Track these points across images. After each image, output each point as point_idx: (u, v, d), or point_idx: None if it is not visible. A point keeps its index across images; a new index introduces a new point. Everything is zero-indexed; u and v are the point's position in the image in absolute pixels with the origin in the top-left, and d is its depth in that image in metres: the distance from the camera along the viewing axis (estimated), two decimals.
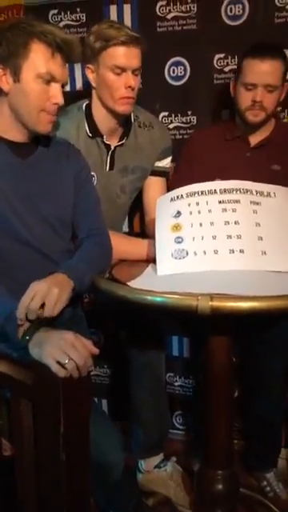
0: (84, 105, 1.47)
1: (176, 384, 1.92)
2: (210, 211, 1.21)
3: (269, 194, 1.24)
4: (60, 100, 1.09)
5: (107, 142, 1.46)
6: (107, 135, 1.46)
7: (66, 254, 1.18)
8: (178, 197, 1.26)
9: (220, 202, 1.21)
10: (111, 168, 1.49)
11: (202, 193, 1.24)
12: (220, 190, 1.23)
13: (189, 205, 1.23)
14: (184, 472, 1.64)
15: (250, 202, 1.22)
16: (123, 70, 1.34)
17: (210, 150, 1.54)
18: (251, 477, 1.64)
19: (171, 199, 1.27)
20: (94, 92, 1.44)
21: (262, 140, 1.53)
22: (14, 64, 1.05)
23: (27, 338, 0.92)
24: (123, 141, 1.49)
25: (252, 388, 1.61)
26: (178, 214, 1.22)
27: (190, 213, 1.22)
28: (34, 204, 1.13)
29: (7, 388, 0.93)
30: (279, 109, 1.66)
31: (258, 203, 1.22)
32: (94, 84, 1.41)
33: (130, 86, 1.35)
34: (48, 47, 1.05)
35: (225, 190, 1.23)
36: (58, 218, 1.18)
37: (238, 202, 1.21)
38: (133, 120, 1.50)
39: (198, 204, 1.22)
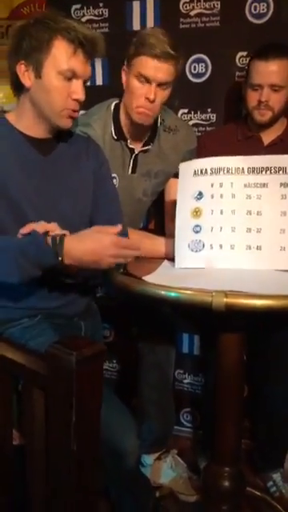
0: (113, 104, 1.46)
1: (185, 381, 1.93)
2: (233, 196, 1.16)
3: None
4: (81, 96, 1.08)
5: (131, 146, 1.46)
6: (131, 139, 1.45)
7: None
8: (201, 171, 1.19)
9: (245, 186, 1.16)
10: (133, 171, 1.48)
11: (227, 170, 1.17)
12: (248, 168, 1.17)
13: (212, 185, 1.18)
14: (190, 469, 1.65)
15: (280, 185, 1.15)
16: (148, 80, 1.32)
17: (223, 149, 1.52)
18: (257, 476, 1.65)
19: (194, 172, 1.20)
20: (124, 94, 1.43)
21: (274, 139, 1.53)
22: (36, 60, 1.05)
23: (60, 259, 0.97)
24: (148, 146, 1.48)
25: (260, 388, 1.61)
26: (200, 195, 1.18)
27: (212, 196, 1.17)
28: (54, 201, 1.14)
29: (19, 377, 0.94)
30: None
31: None
32: (124, 86, 1.40)
33: (148, 98, 1.32)
34: (70, 44, 1.04)
35: (253, 170, 1.17)
36: (77, 214, 1.18)
37: (265, 185, 1.16)
38: (159, 124, 1.49)
39: (221, 185, 1.17)
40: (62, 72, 1.05)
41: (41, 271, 0.98)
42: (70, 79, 1.06)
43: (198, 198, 1.19)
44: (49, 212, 1.12)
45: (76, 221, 1.17)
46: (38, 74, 1.06)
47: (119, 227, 1.01)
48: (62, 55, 1.04)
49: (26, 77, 1.07)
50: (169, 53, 1.29)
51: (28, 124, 1.12)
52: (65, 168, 1.17)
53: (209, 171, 1.19)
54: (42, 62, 1.05)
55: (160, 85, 1.33)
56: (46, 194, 1.13)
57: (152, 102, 1.33)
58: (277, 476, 1.61)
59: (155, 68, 1.30)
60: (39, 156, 1.14)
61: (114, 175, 1.43)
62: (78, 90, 1.07)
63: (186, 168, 1.22)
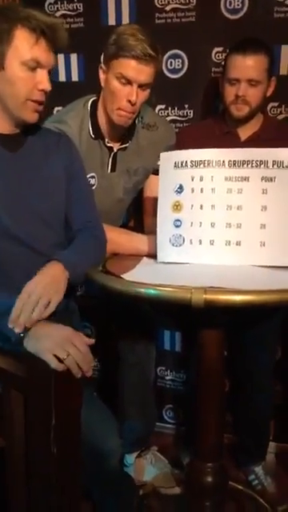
0: (90, 101, 1.43)
1: (167, 378, 1.93)
2: (213, 190, 1.16)
3: None
4: (47, 86, 1.05)
5: (109, 145, 1.44)
6: (109, 138, 1.44)
7: (58, 248, 1.17)
8: (182, 163, 1.18)
9: (226, 179, 1.15)
10: (113, 170, 1.47)
11: (208, 163, 1.16)
12: (229, 162, 1.16)
13: (192, 179, 1.17)
14: (173, 465, 1.66)
15: (262, 179, 1.14)
16: (129, 82, 1.30)
17: (201, 145, 1.52)
18: (240, 470, 1.66)
19: (175, 165, 1.19)
20: (102, 92, 1.40)
21: (251, 135, 1.53)
22: None
23: (21, 335, 0.91)
24: (126, 144, 1.46)
25: (241, 382, 1.63)
26: (180, 189, 1.18)
27: (192, 190, 1.17)
28: (25, 198, 1.11)
29: None
30: (276, 104, 1.66)
31: (271, 179, 1.14)
32: (102, 84, 1.38)
33: (130, 100, 1.31)
34: (32, 33, 1.01)
35: (234, 163, 1.15)
36: (50, 211, 1.16)
37: (246, 179, 1.15)
38: (137, 121, 1.47)
39: (202, 179, 1.16)
40: (25, 62, 1.03)
41: None
42: (34, 69, 1.04)
43: (179, 192, 1.19)
44: (20, 210, 1.10)
45: (49, 217, 1.15)
46: (1, 66, 1.03)
47: (91, 341, 0.92)
48: (23, 45, 1.02)
49: None
50: (150, 54, 1.28)
51: None
52: (34, 163, 1.14)
53: (189, 164, 1.18)
54: (4, 53, 1.02)
55: (141, 86, 1.32)
56: (16, 191, 1.10)
57: (133, 104, 1.32)
58: (259, 469, 1.63)
59: (137, 70, 1.29)
60: (7, 153, 1.11)
61: (92, 174, 1.41)
62: (43, 79, 1.05)
63: (167, 158, 1.21)
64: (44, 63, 1.04)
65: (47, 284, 0.98)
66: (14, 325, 0.92)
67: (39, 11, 1.05)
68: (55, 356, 0.85)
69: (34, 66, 1.03)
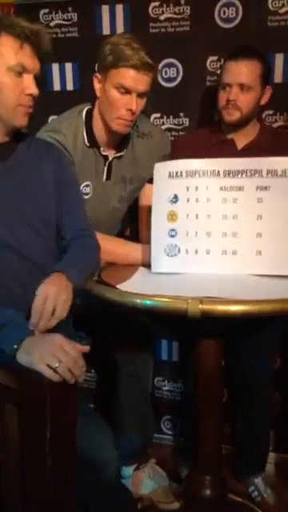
0: (85, 110, 1.43)
1: (165, 388, 1.91)
2: (208, 200, 1.16)
3: (284, 173, 1.14)
4: (34, 90, 1.07)
5: (104, 153, 1.44)
6: (104, 146, 1.44)
7: (49, 256, 1.16)
8: (177, 173, 1.19)
9: (221, 189, 1.16)
10: (108, 178, 1.47)
11: (203, 173, 1.17)
12: (224, 171, 1.17)
13: (187, 189, 1.18)
14: (172, 477, 1.63)
15: (256, 188, 1.15)
16: (128, 91, 1.31)
17: (197, 154, 1.53)
18: (239, 482, 1.64)
19: (169, 175, 1.20)
20: (97, 101, 1.41)
21: (248, 143, 1.53)
22: None
23: (15, 347, 0.91)
24: (122, 153, 1.46)
25: (239, 392, 1.61)
26: (175, 198, 1.18)
27: (188, 200, 1.18)
28: (15, 205, 1.11)
29: None
30: (271, 112, 1.67)
31: (265, 188, 1.15)
32: (98, 94, 1.38)
33: (130, 109, 1.32)
34: (16, 39, 1.04)
35: (229, 173, 1.17)
36: (40, 219, 1.16)
37: (241, 189, 1.16)
38: (132, 130, 1.47)
39: (197, 189, 1.17)
40: (11, 68, 1.04)
41: None
42: (20, 74, 1.06)
43: (174, 202, 1.19)
44: (9, 216, 1.10)
45: (38, 223, 1.15)
46: None
47: (86, 348, 0.93)
48: (8, 51, 1.04)
49: None
50: (148, 63, 1.29)
51: None
52: (24, 172, 1.15)
53: (184, 174, 1.19)
54: None
55: (139, 94, 1.32)
56: (5, 199, 1.10)
57: (133, 112, 1.33)
58: (258, 481, 1.60)
59: (136, 79, 1.30)
60: None
61: (87, 183, 1.41)
62: (30, 84, 1.07)
63: (161, 169, 1.22)
64: (29, 68, 1.06)
65: (59, 290, 1.00)
66: (35, 329, 0.96)
67: (22, 19, 1.06)
68: (48, 366, 0.85)
69: (19, 71, 1.05)
